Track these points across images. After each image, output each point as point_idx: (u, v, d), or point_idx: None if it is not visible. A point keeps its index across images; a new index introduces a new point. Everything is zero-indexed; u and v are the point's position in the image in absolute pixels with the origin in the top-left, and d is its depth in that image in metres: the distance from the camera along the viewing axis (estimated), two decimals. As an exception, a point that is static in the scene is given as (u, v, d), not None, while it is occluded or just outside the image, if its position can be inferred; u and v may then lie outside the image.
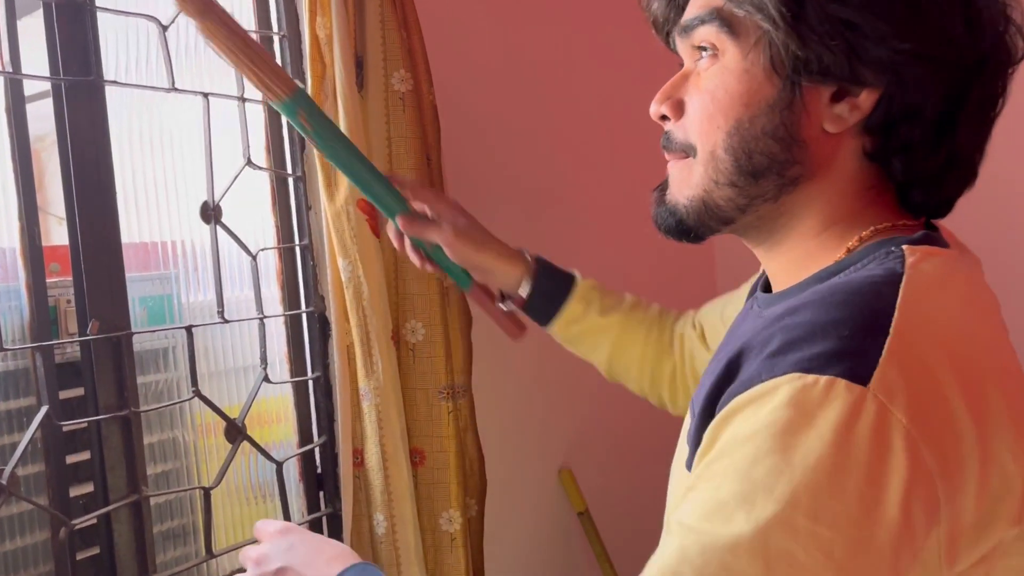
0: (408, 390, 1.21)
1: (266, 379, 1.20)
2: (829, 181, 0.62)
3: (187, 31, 1.16)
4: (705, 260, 2.08)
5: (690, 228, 0.66)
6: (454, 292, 1.23)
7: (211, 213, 1.13)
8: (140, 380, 1.09)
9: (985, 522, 0.50)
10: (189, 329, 1.11)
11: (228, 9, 1.15)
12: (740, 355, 0.55)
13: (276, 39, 1.25)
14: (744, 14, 0.59)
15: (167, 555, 1.13)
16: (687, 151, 0.65)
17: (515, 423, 1.57)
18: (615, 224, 1.74)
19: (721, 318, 0.95)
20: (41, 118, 0.99)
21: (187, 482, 1.17)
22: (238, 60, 0.85)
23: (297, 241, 1.27)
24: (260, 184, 1.24)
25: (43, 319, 0.98)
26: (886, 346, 0.49)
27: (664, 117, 0.66)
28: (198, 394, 1.11)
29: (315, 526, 1.30)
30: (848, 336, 0.50)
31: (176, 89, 1.09)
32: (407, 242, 1.01)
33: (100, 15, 1.03)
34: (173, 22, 1.09)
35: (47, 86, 1.00)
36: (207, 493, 1.13)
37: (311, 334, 1.29)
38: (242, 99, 1.18)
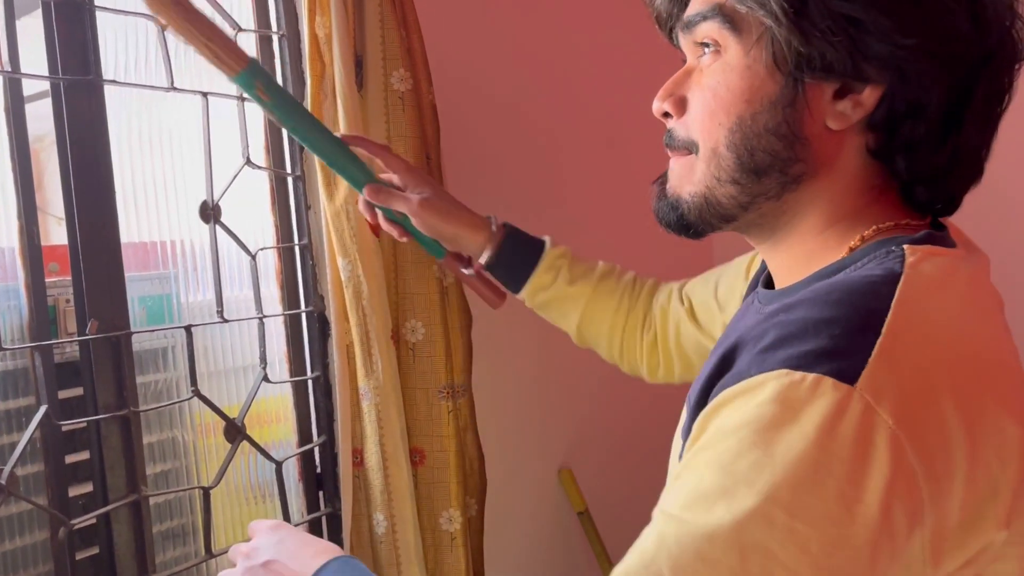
0: (408, 389, 1.21)
1: (265, 379, 1.20)
2: (832, 179, 0.61)
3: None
4: (703, 258, 2.08)
5: (691, 224, 0.66)
6: (454, 292, 1.22)
7: (210, 212, 1.13)
8: (139, 380, 1.08)
9: (971, 524, 0.50)
10: (188, 329, 1.10)
11: (228, 9, 1.16)
12: (735, 349, 0.56)
13: (275, 38, 1.25)
14: (746, 10, 0.59)
15: (166, 555, 1.13)
16: (689, 148, 0.64)
17: (515, 423, 1.57)
18: (614, 223, 1.74)
19: (715, 296, 0.94)
20: (40, 118, 0.99)
21: (186, 482, 1.16)
22: (189, 34, 0.84)
23: (296, 240, 1.27)
24: (259, 183, 1.24)
25: (42, 319, 0.97)
26: (877, 346, 0.49)
27: (667, 115, 0.66)
28: (197, 394, 1.11)
29: (315, 526, 1.29)
30: (839, 335, 0.50)
31: (175, 88, 1.09)
32: (380, 214, 1.01)
33: (99, 14, 1.02)
34: (172, 21, 1.09)
35: (46, 86, 1.00)
36: (206, 493, 1.13)
37: (310, 334, 1.29)
38: (241, 98, 1.17)
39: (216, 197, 1.14)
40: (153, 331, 1.12)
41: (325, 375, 1.28)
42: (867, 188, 0.62)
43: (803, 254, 0.64)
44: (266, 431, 1.24)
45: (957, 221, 0.66)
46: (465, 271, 1.04)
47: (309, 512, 1.29)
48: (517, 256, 1.01)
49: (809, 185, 0.61)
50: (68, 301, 1.02)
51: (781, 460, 0.47)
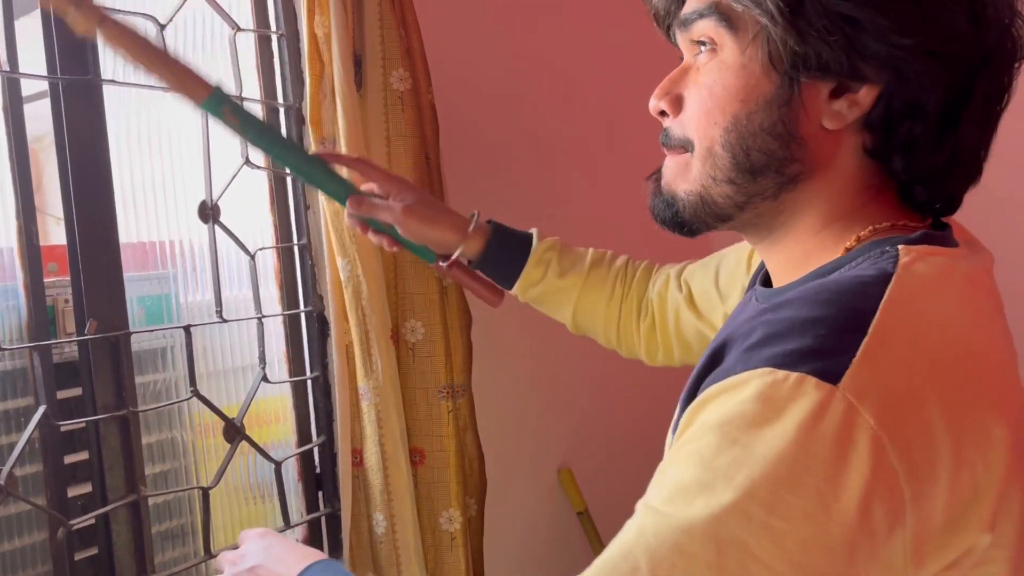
0: (408, 389, 1.21)
1: (265, 379, 1.20)
2: (829, 179, 0.61)
3: (185, 30, 1.16)
4: (703, 256, 2.07)
5: (685, 222, 0.65)
6: (454, 291, 1.22)
7: (209, 212, 1.13)
8: (138, 380, 1.08)
9: (955, 526, 0.49)
10: (187, 329, 1.10)
11: (227, 9, 1.16)
12: (724, 345, 0.56)
13: (274, 38, 1.25)
14: (742, 9, 0.58)
15: (166, 555, 1.13)
16: (685, 147, 0.64)
17: (515, 422, 1.57)
18: (614, 221, 1.74)
19: (716, 285, 0.94)
20: (39, 118, 0.99)
21: (185, 482, 1.16)
22: (151, 65, 0.84)
23: (295, 240, 1.27)
24: (258, 183, 1.24)
25: (41, 319, 0.97)
26: (862, 346, 0.49)
27: (663, 113, 0.66)
28: (196, 394, 1.11)
29: (314, 526, 1.29)
30: (824, 335, 0.50)
31: (174, 88, 1.09)
32: (369, 227, 1.01)
33: (97, 14, 1.02)
34: (171, 21, 1.09)
35: (45, 86, 1.00)
36: (206, 493, 1.13)
37: (310, 333, 1.29)
38: (240, 98, 1.17)
39: (215, 197, 1.14)
40: (152, 331, 1.12)
41: (324, 375, 1.28)
42: (864, 188, 0.61)
43: (800, 254, 0.63)
44: (265, 431, 1.24)
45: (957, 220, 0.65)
46: (441, 263, 1.04)
47: (308, 512, 1.29)
48: (505, 253, 1.01)
49: (806, 185, 0.61)
50: (67, 301, 1.02)
51: (761, 457, 0.47)
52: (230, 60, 1.17)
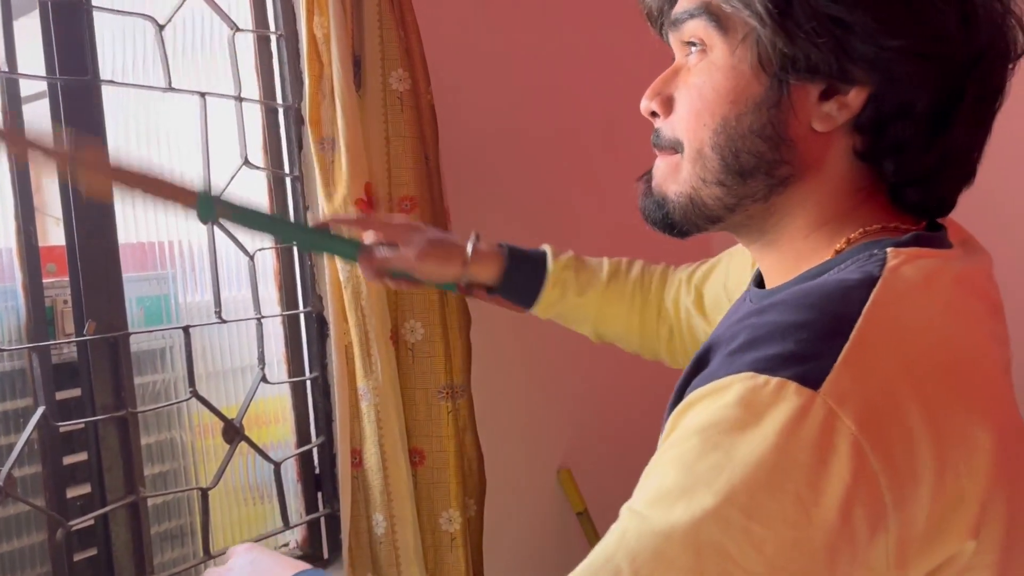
0: (407, 390, 1.21)
1: (264, 379, 1.20)
2: (819, 181, 0.61)
3: (184, 30, 1.16)
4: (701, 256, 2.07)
5: (675, 223, 0.65)
6: (453, 292, 1.22)
7: (208, 213, 1.13)
8: (137, 380, 1.09)
9: (938, 532, 0.49)
10: (186, 329, 1.11)
11: (225, 9, 1.16)
12: (710, 349, 0.56)
13: (273, 38, 1.25)
14: (732, 10, 0.58)
15: (165, 556, 1.13)
16: (675, 148, 0.64)
17: (514, 423, 1.57)
18: (613, 222, 1.74)
19: (725, 288, 0.94)
20: (38, 118, 0.99)
21: (185, 483, 1.17)
22: (136, 190, 0.84)
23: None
24: (257, 184, 1.24)
25: (40, 319, 0.98)
26: (843, 351, 0.48)
27: (654, 114, 0.66)
28: (195, 394, 1.11)
29: (313, 527, 1.30)
30: (806, 339, 0.49)
31: (173, 89, 1.09)
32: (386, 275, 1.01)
33: (96, 15, 1.03)
34: (170, 21, 1.09)
35: (44, 86, 1.00)
36: (205, 494, 1.13)
37: (309, 334, 1.29)
38: (239, 99, 1.18)
39: (214, 198, 1.14)
40: (151, 332, 1.12)
41: (324, 376, 1.28)
42: (855, 190, 0.61)
43: (791, 256, 0.63)
44: (264, 432, 1.25)
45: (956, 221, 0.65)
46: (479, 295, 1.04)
47: (308, 513, 1.29)
48: (521, 275, 1.01)
49: (796, 187, 0.61)
50: (66, 302, 1.03)
51: (740, 462, 0.47)
52: (229, 61, 1.17)
